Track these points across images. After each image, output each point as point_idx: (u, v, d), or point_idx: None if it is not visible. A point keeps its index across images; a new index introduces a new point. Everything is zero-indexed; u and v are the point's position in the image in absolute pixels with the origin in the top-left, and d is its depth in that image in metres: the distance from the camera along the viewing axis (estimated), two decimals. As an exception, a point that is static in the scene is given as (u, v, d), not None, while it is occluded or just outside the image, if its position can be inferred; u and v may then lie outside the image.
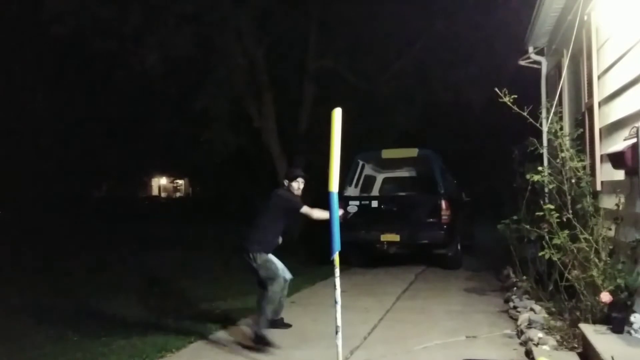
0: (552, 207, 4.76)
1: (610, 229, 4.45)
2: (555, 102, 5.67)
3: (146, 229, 16.39)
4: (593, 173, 5.01)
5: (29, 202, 20.63)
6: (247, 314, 5.82)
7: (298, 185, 4.99)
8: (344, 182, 9.83)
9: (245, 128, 14.36)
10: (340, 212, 4.18)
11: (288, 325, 5.19)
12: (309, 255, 10.18)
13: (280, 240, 5.00)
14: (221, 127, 13.62)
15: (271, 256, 4.89)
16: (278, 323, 5.16)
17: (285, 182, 5.05)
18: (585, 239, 4.40)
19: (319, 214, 4.77)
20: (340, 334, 3.73)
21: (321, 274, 8.43)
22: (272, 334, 5.00)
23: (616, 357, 3.21)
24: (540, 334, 4.31)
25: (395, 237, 8.86)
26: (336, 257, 3.82)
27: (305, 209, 4.84)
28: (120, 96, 16.58)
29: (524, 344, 4.43)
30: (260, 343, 4.58)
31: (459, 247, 9.25)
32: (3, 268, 8.99)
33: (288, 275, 4.98)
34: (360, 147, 10.61)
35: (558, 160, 4.96)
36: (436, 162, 9.33)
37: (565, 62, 5.98)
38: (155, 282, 7.98)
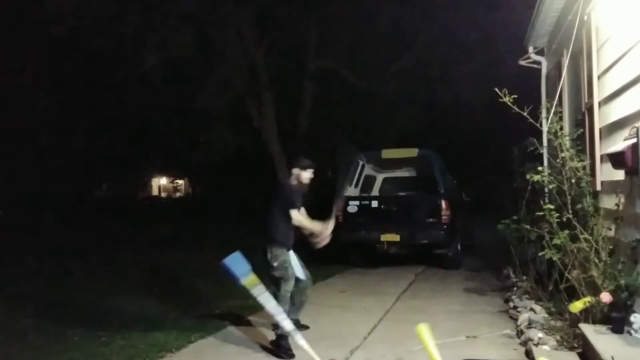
0: (552, 207, 4.75)
1: (610, 229, 4.45)
2: (555, 102, 5.67)
3: (146, 228, 16.38)
4: (593, 173, 5.01)
5: (29, 202, 20.62)
6: (247, 313, 5.83)
7: (309, 175, 4.93)
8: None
9: (245, 128, 14.38)
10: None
11: (305, 327, 5.14)
12: (308, 255, 10.18)
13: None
14: (221, 127, 13.64)
15: (289, 255, 4.85)
16: (295, 325, 5.14)
17: (296, 171, 4.93)
18: (585, 239, 4.39)
19: (308, 223, 4.80)
20: (299, 335, 4.11)
21: (321, 274, 8.42)
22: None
23: (616, 357, 3.21)
24: (540, 334, 4.31)
25: (395, 237, 8.85)
26: (247, 280, 4.23)
27: (295, 214, 4.74)
28: (121, 96, 16.57)
29: (524, 344, 4.43)
30: (278, 348, 4.49)
31: (459, 247, 9.25)
32: (3, 268, 8.98)
33: (301, 275, 4.92)
34: (360, 147, 10.62)
35: (558, 160, 4.96)
36: (436, 162, 9.32)
37: (565, 62, 5.98)
38: (155, 281, 7.97)
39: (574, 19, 5.50)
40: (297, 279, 4.91)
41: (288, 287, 4.75)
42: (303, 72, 13.94)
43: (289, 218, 4.76)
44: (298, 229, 4.89)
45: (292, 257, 4.93)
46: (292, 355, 4.39)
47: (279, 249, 4.78)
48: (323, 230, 4.88)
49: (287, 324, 4.28)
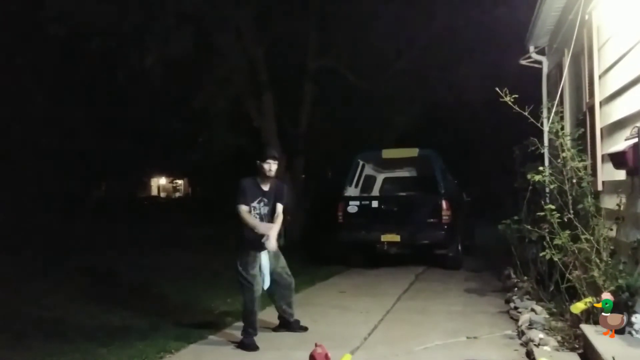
0: (553, 207, 4.74)
1: (611, 229, 4.43)
2: (556, 102, 5.65)
3: (146, 229, 16.36)
4: (594, 173, 5.00)
5: (28, 202, 20.60)
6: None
7: (269, 167, 4.65)
8: (344, 182, 9.84)
9: (245, 128, 14.34)
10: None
11: (304, 329, 5.11)
12: (308, 256, 10.17)
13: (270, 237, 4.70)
14: (221, 127, 13.60)
15: (259, 256, 4.71)
16: (293, 326, 5.11)
17: (257, 164, 4.69)
18: (586, 239, 4.38)
19: (248, 217, 4.63)
20: None
21: (320, 275, 8.43)
22: (276, 335, 5.03)
23: (617, 358, 3.20)
24: (541, 335, 4.29)
25: (396, 238, 8.84)
26: None
27: (239, 209, 4.62)
28: (120, 96, 16.55)
29: (524, 344, 4.41)
30: (240, 347, 4.59)
31: (459, 248, 9.23)
32: (2, 269, 8.96)
33: (265, 284, 4.78)
34: (360, 147, 10.60)
35: (559, 160, 4.94)
36: (436, 162, 9.31)
37: (566, 61, 5.97)
38: (155, 282, 7.95)
39: (575, 19, 5.49)
40: (273, 281, 4.86)
41: (251, 296, 4.62)
42: (303, 71, 13.90)
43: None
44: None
45: (264, 259, 4.75)
46: (256, 348, 4.55)
47: (243, 249, 4.69)
48: (266, 232, 4.61)
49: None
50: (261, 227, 4.63)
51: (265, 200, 4.76)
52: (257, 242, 4.66)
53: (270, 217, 4.79)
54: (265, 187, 4.76)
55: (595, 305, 3.84)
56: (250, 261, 4.67)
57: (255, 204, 4.73)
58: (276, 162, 4.74)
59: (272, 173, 4.72)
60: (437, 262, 9.23)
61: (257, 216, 4.73)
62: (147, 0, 10.97)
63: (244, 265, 4.66)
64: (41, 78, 16.49)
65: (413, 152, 9.45)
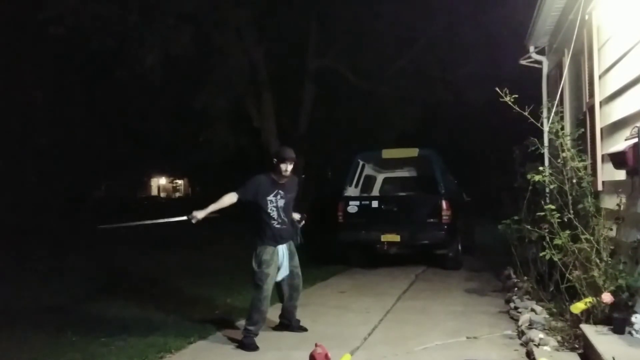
0: (553, 207, 4.74)
1: (611, 229, 4.43)
2: (556, 102, 5.65)
3: (145, 229, 16.32)
4: (594, 173, 5.00)
5: (28, 202, 20.59)
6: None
7: (286, 167, 4.74)
8: (344, 182, 9.84)
9: (245, 128, 14.35)
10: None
11: (303, 329, 5.12)
12: (308, 256, 10.15)
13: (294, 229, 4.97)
14: (221, 127, 13.61)
15: (276, 251, 4.79)
16: (293, 326, 5.12)
17: (274, 161, 4.83)
18: (586, 239, 4.38)
19: (221, 201, 4.78)
20: None
21: (321, 275, 8.42)
22: (276, 335, 5.03)
23: (617, 358, 3.20)
24: (541, 335, 4.30)
25: (396, 238, 8.83)
26: None
27: (230, 193, 4.83)
28: (120, 96, 16.54)
29: (524, 344, 4.41)
30: (240, 347, 4.61)
31: (459, 248, 9.22)
32: (2, 269, 8.96)
33: (279, 276, 4.86)
34: (360, 147, 10.60)
35: (559, 160, 4.94)
36: (437, 162, 9.30)
37: (566, 61, 5.97)
38: (154, 282, 7.96)
39: (575, 19, 5.49)
40: (285, 282, 4.93)
41: (260, 294, 4.68)
42: (303, 72, 13.91)
43: (264, 211, 4.78)
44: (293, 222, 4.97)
45: (282, 252, 4.85)
46: (256, 348, 4.57)
47: (260, 246, 4.77)
48: (197, 216, 4.85)
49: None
50: (198, 213, 4.82)
51: (282, 193, 4.86)
52: (277, 237, 4.79)
53: (286, 210, 4.89)
54: (282, 181, 4.88)
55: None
56: (266, 259, 4.72)
57: (271, 197, 4.82)
58: (292, 163, 4.84)
59: (288, 173, 4.84)
60: (437, 262, 9.23)
61: (275, 209, 4.83)
62: (147, 0, 10.97)
63: (259, 262, 4.72)
64: (41, 78, 16.48)
65: (413, 152, 9.44)
